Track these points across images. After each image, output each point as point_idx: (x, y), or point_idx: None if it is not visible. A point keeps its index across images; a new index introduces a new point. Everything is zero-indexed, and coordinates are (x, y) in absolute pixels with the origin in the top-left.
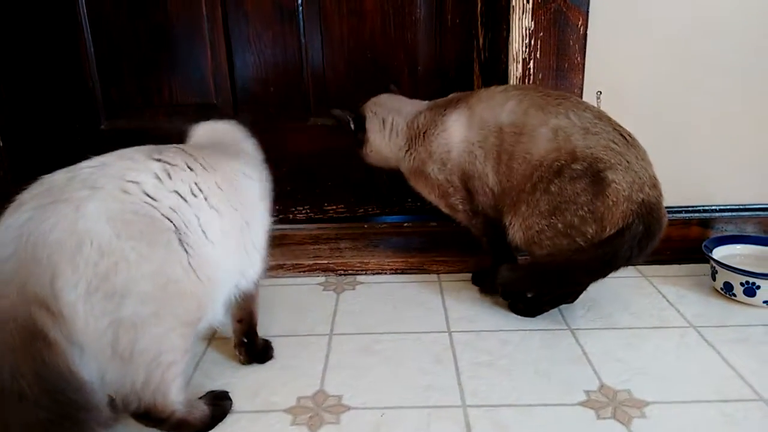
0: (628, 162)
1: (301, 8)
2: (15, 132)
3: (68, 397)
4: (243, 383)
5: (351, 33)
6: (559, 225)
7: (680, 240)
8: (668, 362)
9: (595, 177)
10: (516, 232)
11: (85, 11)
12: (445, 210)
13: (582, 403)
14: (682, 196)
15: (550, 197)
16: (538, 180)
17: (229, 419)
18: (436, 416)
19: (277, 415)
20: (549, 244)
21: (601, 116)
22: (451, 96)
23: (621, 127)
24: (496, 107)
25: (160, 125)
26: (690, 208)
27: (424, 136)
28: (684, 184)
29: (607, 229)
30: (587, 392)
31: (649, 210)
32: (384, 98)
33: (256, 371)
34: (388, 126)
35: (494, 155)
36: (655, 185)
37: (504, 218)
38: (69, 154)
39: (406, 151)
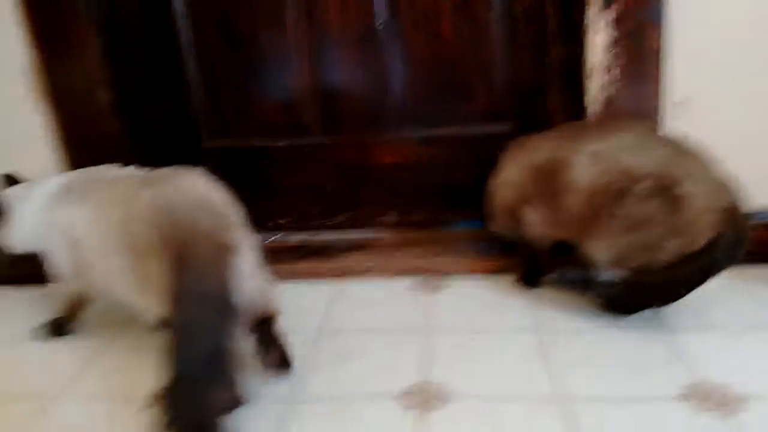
0: (692, 172)
1: (382, 33)
2: (133, 154)
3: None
4: (350, 373)
5: (430, 53)
6: (640, 242)
7: None
8: (766, 359)
9: (666, 194)
10: (598, 255)
11: (191, 45)
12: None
13: (681, 397)
14: None
15: (620, 220)
16: (600, 206)
17: (340, 405)
18: (537, 407)
19: (386, 401)
20: (633, 260)
21: (647, 133)
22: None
23: (672, 137)
24: (535, 151)
25: (253, 143)
26: None
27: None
28: None
29: (696, 242)
30: (686, 387)
31: (733, 215)
32: None
33: (361, 361)
34: None
35: (538, 193)
36: (727, 187)
37: (582, 245)
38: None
39: None
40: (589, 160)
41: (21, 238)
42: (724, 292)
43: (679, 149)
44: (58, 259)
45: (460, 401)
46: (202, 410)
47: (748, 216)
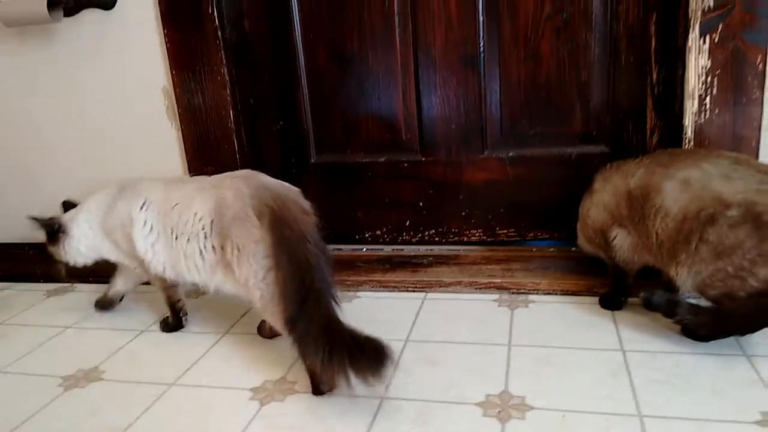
0: None
1: (482, 55)
2: (251, 166)
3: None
4: (436, 378)
5: (527, 76)
6: (729, 269)
7: None
8: None
9: (757, 221)
10: (684, 280)
11: (303, 67)
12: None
13: (757, 422)
14: None
15: (709, 246)
16: (689, 231)
17: (426, 407)
18: (614, 422)
19: (469, 407)
20: (720, 285)
21: (739, 160)
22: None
23: (765, 165)
24: (628, 176)
25: (358, 159)
26: None
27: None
28: None
29: None
30: (762, 413)
31: None
32: None
33: (446, 368)
34: None
35: (628, 216)
36: None
37: (667, 270)
38: (286, 181)
39: None
40: (680, 187)
41: (79, 252)
42: None
43: None
44: (135, 252)
45: (537, 412)
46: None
47: None
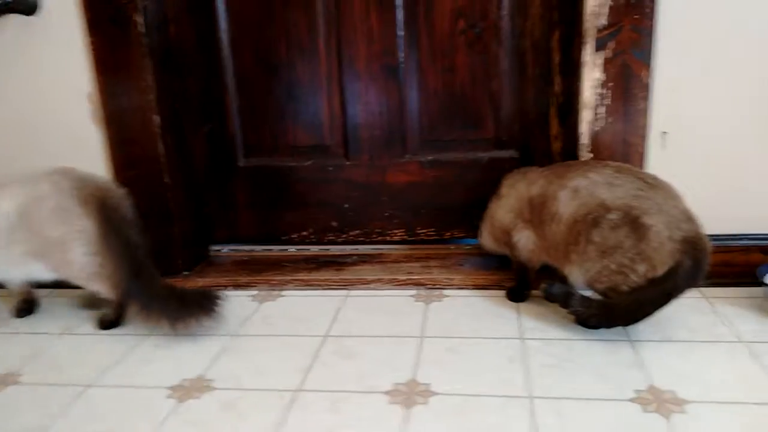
0: (658, 204)
1: (402, 66)
2: (177, 170)
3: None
4: (351, 370)
5: (443, 85)
6: (612, 266)
7: (742, 265)
8: (714, 370)
9: (634, 224)
10: (577, 276)
11: (231, 74)
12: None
13: (631, 400)
14: (745, 224)
15: (595, 246)
16: (578, 233)
17: (340, 396)
18: (509, 404)
19: (377, 396)
20: (606, 280)
21: (621, 169)
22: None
23: (643, 173)
24: (531, 184)
25: (285, 163)
26: (751, 236)
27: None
28: (746, 213)
29: (658, 268)
30: (637, 391)
31: (692, 244)
32: None
33: (360, 361)
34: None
35: (530, 220)
36: (689, 218)
37: (561, 268)
38: (214, 185)
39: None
40: (571, 195)
41: None
42: (686, 310)
43: (649, 183)
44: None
45: (440, 397)
46: None
47: (707, 245)
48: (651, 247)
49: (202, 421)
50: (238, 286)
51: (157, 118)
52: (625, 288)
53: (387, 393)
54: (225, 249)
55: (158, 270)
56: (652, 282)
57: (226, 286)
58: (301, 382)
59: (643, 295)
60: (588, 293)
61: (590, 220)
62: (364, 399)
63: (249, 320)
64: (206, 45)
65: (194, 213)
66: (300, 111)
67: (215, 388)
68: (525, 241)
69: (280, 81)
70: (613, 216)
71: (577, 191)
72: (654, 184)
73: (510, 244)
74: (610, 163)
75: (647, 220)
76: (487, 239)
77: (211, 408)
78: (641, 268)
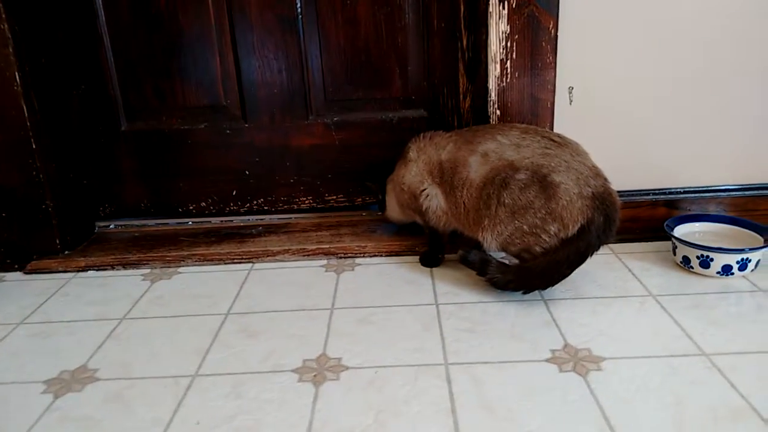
0: (566, 161)
1: (300, 17)
2: (47, 135)
3: None
4: (255, 349)
5: (346, 39)
6: (525, 227)
7: (648, 219)
8: (626, 325)
9: (543, 182)
10: (490, 242)
11: (105, 25)
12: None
13: (547, 360)
14: (650, 180)
15: (505, 208)
16: (489, 197)
17: (242, 378)
18: (422, 372)
19: (285, 375)
20: (519, 242)
21: (527, 130)
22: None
23: (549, 132)
24: (439, 148)
25: (174, 126)
26: (657, 191)
27: (395, 179)
28: (651, 168)
29: (570, 226)
30: (552, 350)
31: (602, 200)
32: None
33: (267, 340)
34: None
35: (440, 185)
36: (597, 174)
37: (474, 235)
38: (94, 153)
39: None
40: (481, 160)
41: None
42: (596, 266)
43: (556, 142)
44: None
45: (352, 371)
46: None
47: (617, 200)
48: (561, 205)
49: (84, 417)
50: (127, 265)
51: (18, 76)
52: (538, 249)
53: (295, 371)
54: (113, 224)
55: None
56: (566, 242)
57: (113, 266)
58: (198, 366)
59: (558, 257)
60: (503, 257)
61: (499, 181)
62: (270, 379)
63: (139, 302)
64: None
65: (72, 184)
66: (188, 67)
67: (99, 379)
68: (435, 205)
69: (163, 33)
70: (521, 176)
71: (486, 155)
72: (561, 143)
73: (419, 209)
74: (517, 125)
75: (556, 177)
76: (393, 209)
77: (93, 401)
78: (552, 227)
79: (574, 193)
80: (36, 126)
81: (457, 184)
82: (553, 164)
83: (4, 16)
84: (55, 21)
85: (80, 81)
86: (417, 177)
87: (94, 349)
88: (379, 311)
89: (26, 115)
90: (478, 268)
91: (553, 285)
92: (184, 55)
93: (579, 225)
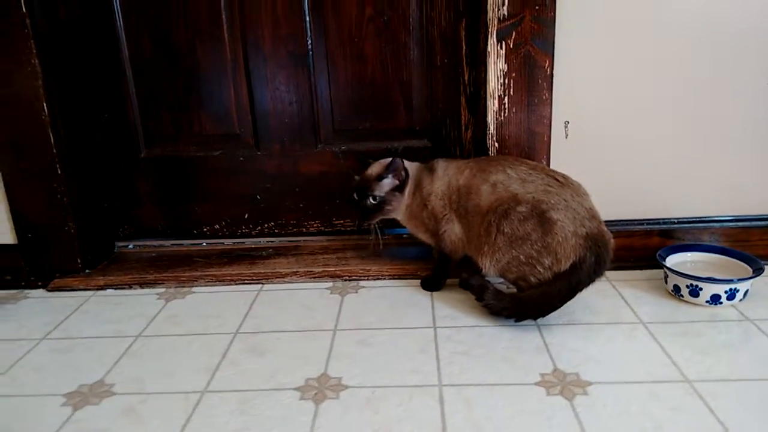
0: (565, 201)
1: (311, 53)
2: (71, 162)
3: None
4: (261, 368)
5: (354, 73)
6: (521, 257)
7: (642, 249)
8: (615, 351)
9: (541, 217)
10: (489, 267)
11: (128, 59)
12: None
13: (536, 383)
14: (645, 210)
15: (504, 236)
16: (489, 224)
17: (247, 395)
18: (417, 393)
19: (288, 393)
20: (516, 270)
21: (535, 167)
22: (433, 160)
23: (554, 171)
24: (458, 174)
25: (191, 153)
26: (651, 221)
27: (419, 187)
28: (646, 199)
29: (563, 261)
30: (542, 375)
31: (594, 240)
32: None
33: (273, 359)
34: (410, 183)
35: (456, 210)
36: (593, 216)
37: (476, 259)
38: (115, 177)
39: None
40: (490, 189)
41: None
42: (590, 293)
43: (559, 182)
44: None
45: (351, 390)
46: None
47: (609, 241)
48: (556, 241)
49: (100, 429)
50: (144, 284)
51: (46, 107)
52: (532, 279)
53: (298, 389)
54: (131, 245)
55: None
56: (558, 276)
57: (130, 285)
58: (207, 383)
59: (551, 290)
60: (501, 282)
61: (501, 211)
62: (274, 397)
63: (154, 320)
64: (100, 27)
65: (94, 207)
66: (204, 98)
67: (116, 393)
68: (452, 231)
69: (182, 66)
70: (522, 208)
71: (495, 185)
72: (564, 183)
73: (437, 232)
74: (527, 161)
75: (554, 215)
76: (416, 225)
77: (110, 414)
78: (546, 260)
79: (569, 231)
80: (61, 153)
81: (471, 209)
82: (553, 201)
83: (35, 51)
84: (81, 55)
85: (103, 110)
86: (441, 200)
87: (111, 364)
88: (379, 333)
89: (52, 143)
90: (476, 293)
91: (544, 316)
92: (202, 86)
93: (571, 261)
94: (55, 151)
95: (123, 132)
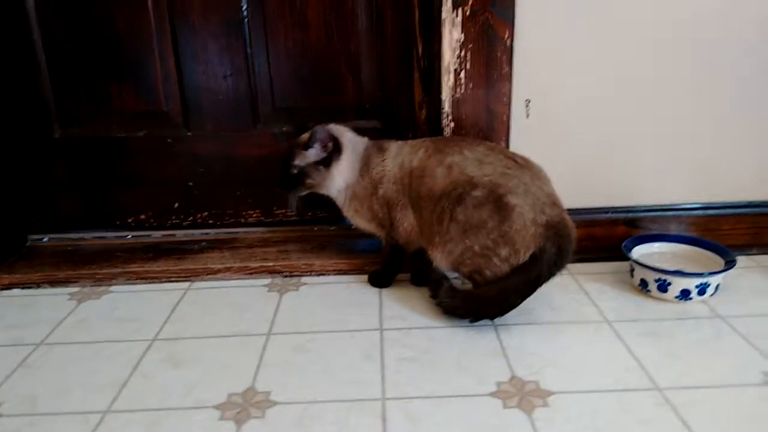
0: (525, 184)
1: (246, 20)
2: None
3: None
4: (178, 382)
5: (296, 44)
6: (475, 247)
7: (607, 239)
8: (578, 355)
9: (498, 202)
10: (440, 260)
11: (37, 25)
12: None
13: (492, 394)
14: (609, 197)
15: (457, 225)
16: (442, 210)
17: (158, 416)
18: (356, 409)
19: (206, 411)
20: (470, 263)
21: (493, 148)
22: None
23: (513, 153)
24: (412, 154)
25: (112, 134)
26: (616, 209)
27: (367, 167)
28: (611, 186)
29: (521, 252)
30: (498, 383)
31: (556, 230)
32: (342, 129)
33: (193, 370)
34: (353, 157)
35: (409, 194)
36: (554, 203)
37: (427, 251)
38: (25, 162)
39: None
40: (445, 172)
41: None
42: (556, 289)
43: (518, 163)
44: None
45: (279, 408)
46: None
47: (572, 231)
48: (514, 230)
49: None
50: (55, 283)
51: None
52: (488, 273)
53: (218, 407)
54: (46, 238)
55: None
56: (516, 269)
57: (39, 284)
58: (112, 401)
59: (508, 284)
60: (455, 277)
61: (455, 196)
62: (189, 416)
63: (61, 324)
64: None
65: (2, 195)
66: (127, 72)
67: (1, 415)
68: (407, 219)
69: (101, 37)
70: (477, 193)
71: (450, 168)
72: (523, 165)
73: (391, 222)
74: (486, 142)
75: (512, 199)
76: (362, 216)
77: None
78: (504, 251)
79: (528, 219)
80: None
81: (423, 194)
82: (511, 185)
83: None
84: None
85: (7, 84)
86: (394, 185)
87: (2, 379)
88: (319, 337)
89: None
90: (431, 289)
91: (502, 315)
92: (123, 58)
93: (531, 252)
94: None
95: (34, 109)
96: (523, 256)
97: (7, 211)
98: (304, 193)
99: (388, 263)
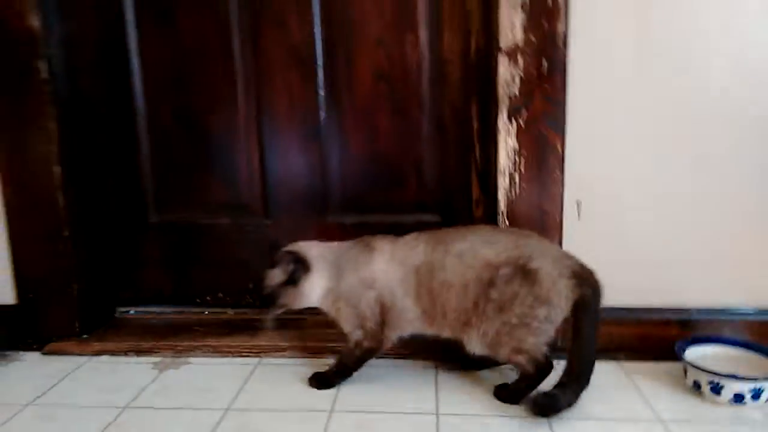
0: (539, 249)
1: (323, 126)
2: (80, 225)
3: None
4: None
5: (366, 146)
6: (513, 319)
7: (660, 339)
8: None
9: (524, 271)
10: (475, 344)
11: (145, 126)
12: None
13: None
14: (663, 298)
15: (493, 303)
16: (477, 298)
17: None
18: None
19: None
20: (508, 340)
21: (495, 229)
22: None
23: (515, 230)
24: (410, 249)
25: (200, 220)
26: (669, 309)
27: (355, 266)
28: (664, 286)
29: (562, 305)
30: None
31: (581, 275)
32: (312, 244)
33: None
34: (326, 266)
35: (416, 289)
36: (567, 255)
37: (457, 337)
38: (121, 242)
39: (329, 288)
40: (456, 260)
41: None
42: (609, 385)
43: (521, 235)
44: None
45: None
46: None
47: (593, 271)
48: (545, 289)
49: None
50: (140, 352)
51: (57, 169)
52: (531, 340)
53: None
54: (132, 311)
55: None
56: (574, 331)
57: (126, 352)
58: None
59: (585, 335)
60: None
61: (486, 280)
62: None
63: (144, 391)
64: (120, 97)
65: (98, 270)
66: (216, 168)
67: None
68: (407, 313)
69: (197, 135)
70: (504, 271)
71: (461, 256)
72: (527, 235)
73: (381, 321)
74: (484, 226)
75: (534, 264)
76: (340, 314)
77: None
78: (542, 312)
79: (554, 275)
80: (69, 216)
81: (437, 287)
82: (527, 253)
83: (53, 116)
84: (98, 122)
85: (115, 176)
86: (396, 285)
87: None
88: (381, 417)
89: (61, 205)
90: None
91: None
92: (214, 155)
93: (572, 302)
94: (62, 215)
95: (135, 196)
96: (565, 309)
97: (101, 285)
98: (280, 311)
99: (352, 367)
